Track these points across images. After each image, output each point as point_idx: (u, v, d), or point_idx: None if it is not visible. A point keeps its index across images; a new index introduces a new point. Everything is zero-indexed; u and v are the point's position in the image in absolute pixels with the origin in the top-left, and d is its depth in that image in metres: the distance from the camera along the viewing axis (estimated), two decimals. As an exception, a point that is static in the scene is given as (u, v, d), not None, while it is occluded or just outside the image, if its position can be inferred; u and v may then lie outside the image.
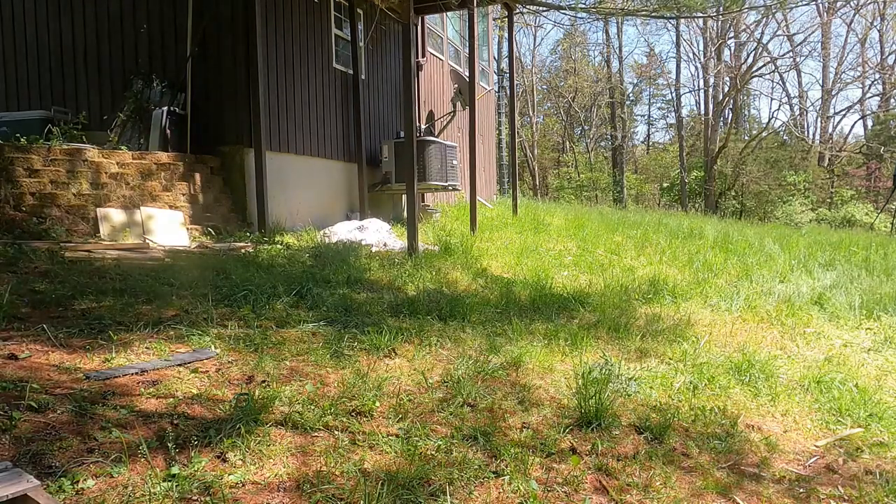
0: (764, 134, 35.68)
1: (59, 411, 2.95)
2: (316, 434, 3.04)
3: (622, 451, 3.19)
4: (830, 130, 36.36)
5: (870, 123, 35.17)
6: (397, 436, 3.06)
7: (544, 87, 42.19)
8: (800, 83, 38.42)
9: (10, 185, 6.77)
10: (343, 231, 9.18)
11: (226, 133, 9.02)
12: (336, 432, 3.06)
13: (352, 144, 11.49)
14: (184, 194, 8.31)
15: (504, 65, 32.96)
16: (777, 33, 34.90)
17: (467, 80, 13.70)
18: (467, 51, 14.57)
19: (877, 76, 34.03)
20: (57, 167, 7.21)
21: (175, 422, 2.97)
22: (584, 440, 3.26)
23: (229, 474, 2.59)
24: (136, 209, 7.59)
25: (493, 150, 20.94)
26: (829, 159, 33.94)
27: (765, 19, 30.99)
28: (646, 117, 45.92)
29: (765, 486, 3.01)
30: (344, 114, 11.29)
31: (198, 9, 8.94)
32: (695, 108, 41.62)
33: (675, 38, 37.22)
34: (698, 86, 38.42)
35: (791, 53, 35.28)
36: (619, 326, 5.28)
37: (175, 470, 2.54)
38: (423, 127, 13.89)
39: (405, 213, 10.60)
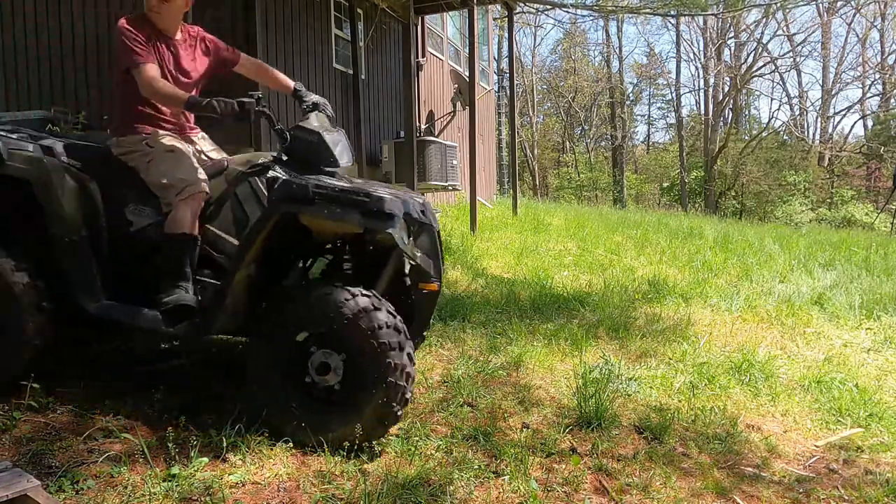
0: (764, 134, 35.63)
1: (59, 411, 2.95)
2: (316, 434, 3.03)
3: (622, 451, 3.19)
4: (830, 130, 36.38)
5: (870, 123, 35.17)
6: (397, 436, 3.06)
7: (544, 86, 42.19)
8: (800, 83, 38.60)
9: (10, 185, 6.77)
10: (343, 231, 9.16)
11: (225, 133, 9.00)
12: (336, 432, 3.06)
13: (352, 144, 11.47)
14: (184, 194, 8.29)
15: (504, 65, 32.98)
16: (777, 33, 34.88)
17: (467, 80, 13.71)
18: (467, 51, 14.57)
19: (877, 76, 34.03)
20: (57, 167, 7.20)
21: (175, 421, 2.97)
22: (584, 440, 3.26)
23: (229, 474, 2.60)
24: (136, 209, 7.58)
25: (493, 150, 20.93)
26: (829, 159, 33.91)
27: (765, 19, 30.98)
28: (646, 117, 45.92)
29: (764, 486, 3.01)
30: (344, 114, 11.28)
31: (198, 9, 8.92)
32: (695, 108, 41.60)
33: (675, 38, 37.33)
34: (698, 86, 38.41)
35: (791, 53, 35.30)
36: (619, 326, 5.27)
37: (175, 470, 2.54)
38: (423, 127, 13.90)
39: (405, 213, 10.56)
